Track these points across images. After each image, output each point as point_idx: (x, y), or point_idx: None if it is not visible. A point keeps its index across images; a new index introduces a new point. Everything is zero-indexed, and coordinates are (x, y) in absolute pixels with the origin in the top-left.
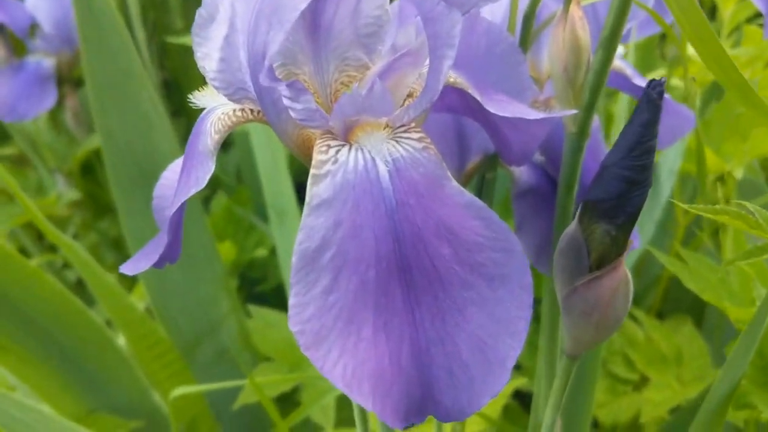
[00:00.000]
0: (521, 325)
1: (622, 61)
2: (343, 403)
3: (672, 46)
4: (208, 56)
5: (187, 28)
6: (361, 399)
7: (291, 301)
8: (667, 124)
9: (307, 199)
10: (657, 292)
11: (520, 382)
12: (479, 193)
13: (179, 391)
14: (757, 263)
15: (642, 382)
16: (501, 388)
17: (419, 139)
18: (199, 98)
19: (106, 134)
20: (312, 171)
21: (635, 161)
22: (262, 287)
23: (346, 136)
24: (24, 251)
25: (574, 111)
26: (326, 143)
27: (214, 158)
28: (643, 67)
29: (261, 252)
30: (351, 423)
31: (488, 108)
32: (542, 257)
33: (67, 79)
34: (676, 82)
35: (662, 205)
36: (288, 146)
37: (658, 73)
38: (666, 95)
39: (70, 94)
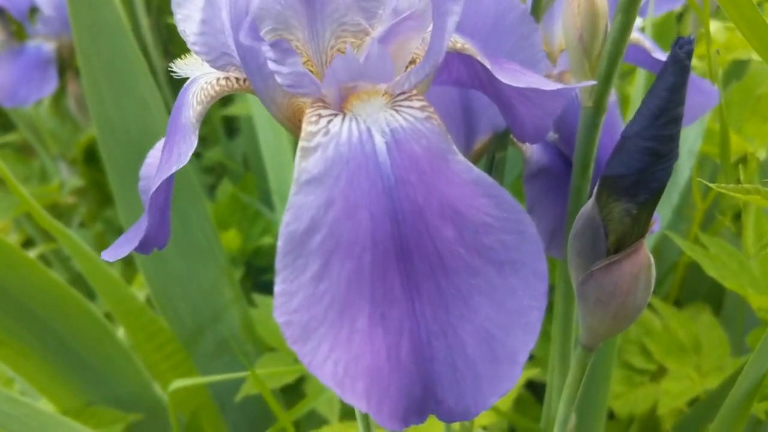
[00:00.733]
0: (534, 316)
1: (640, 34)
2: None
3: (689, 25)
4: (188, 18)
5: None
6: (354, 399)
7: (276, 289)
8: (689, 100)
9: (295, 175)
10: (674, 278)
11: (533, 372)
12: (488, 173)
13: (178, 383)
14: None
15: (659, 373)
16: (511, 386)
17: (421, 108)
18: (181, 67)
19: (101, 120)
20: (301, 143)
21: (660, 130)
22: (268, 276)
23: (340, 104)
24: (30, 241)
25: (593, 82)
26: (317, 112)
27: (197, 132)
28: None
29: (267, 240)
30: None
31: (499, 78)
32: (555, 242)
33: (69, 64)
34: (693, 62)
35: (681, 188)
36: (278, 119)
37: None
38: None
39: (72, 80)
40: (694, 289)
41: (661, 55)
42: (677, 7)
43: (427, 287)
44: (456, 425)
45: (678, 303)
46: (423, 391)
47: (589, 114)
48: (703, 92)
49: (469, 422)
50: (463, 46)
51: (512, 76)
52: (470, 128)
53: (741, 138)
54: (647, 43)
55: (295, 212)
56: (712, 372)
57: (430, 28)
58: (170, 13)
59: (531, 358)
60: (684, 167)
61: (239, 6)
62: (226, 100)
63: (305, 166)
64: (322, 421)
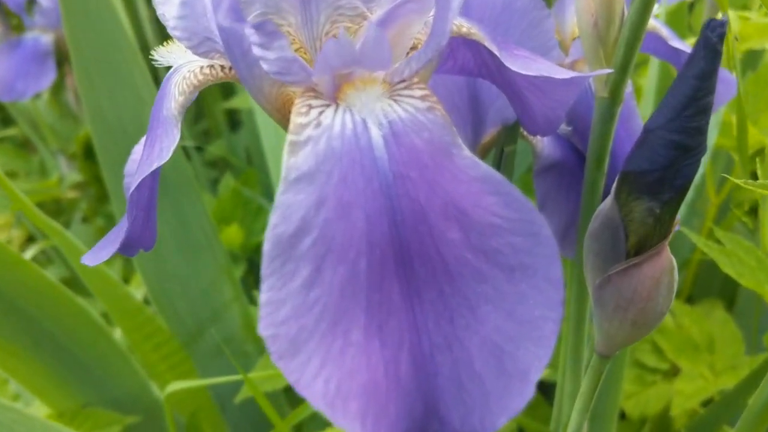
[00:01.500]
0: (548, 328)
1: (656, 21)
2: None
3: (703, 15)
4: (168, 0)
5: None
6: (346, 421)
7: (262, 298)
8: None
9: (284, 172)
10: (687, 275)
11: (543, 373)
12: (497, 169)
13: (174, 386)
14: None
15: (672, 372)
16: (522, 406)
17: (423, 97)
18: (163, 55)
19: (95, 115)
20: (289, 137)
21: (688, 122)
22: None
23: (333, 94)
24: (31, 238)
25: (609, 70)
26: (307, 103)
27: (179, 125)
28: None
29: None
30: None
31: (508, 65)
32: (568, 240)
33: (68, 56)
34: None
35: (695, 181)
36: (267, 110)
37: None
38: None
39: (71, 73)
40: (705, 285)
41: (679, 44)
42: None
43: (430, 295)
44: None
45: (690, 299)
46: (425, 410)
47: (605, 105)
48: (723, 81)
49: None
50: (470, 31)
51: (522, 64)
52: (478, 120)
53: (757, 130)
54: (664, 31)
55: (283, 213)
56: (726, 371)
57: (433, 12)
58: None
59: None
60: None
61: None
62: (228, 91)
63: (294, 162)
64: (325, 423)
